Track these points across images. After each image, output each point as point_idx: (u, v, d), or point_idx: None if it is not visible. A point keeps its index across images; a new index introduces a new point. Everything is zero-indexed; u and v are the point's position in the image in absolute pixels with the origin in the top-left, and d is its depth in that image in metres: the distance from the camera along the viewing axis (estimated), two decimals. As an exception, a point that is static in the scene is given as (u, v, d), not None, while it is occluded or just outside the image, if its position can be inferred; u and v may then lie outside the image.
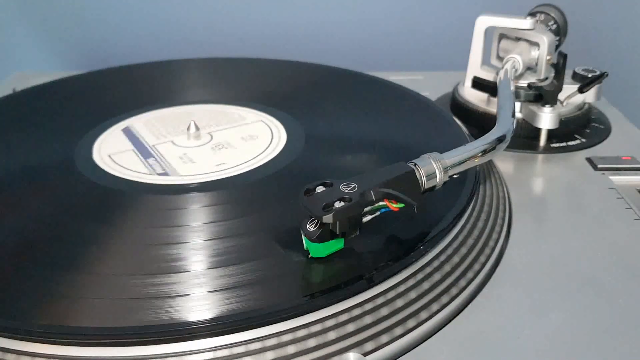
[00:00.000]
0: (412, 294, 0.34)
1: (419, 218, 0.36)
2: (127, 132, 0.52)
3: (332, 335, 0.32)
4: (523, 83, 0.55)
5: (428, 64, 0.81)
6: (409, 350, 0.33)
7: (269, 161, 0.46)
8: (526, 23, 0.54)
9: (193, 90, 0.63)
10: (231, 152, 0.48)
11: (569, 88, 0.55)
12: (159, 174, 0.45)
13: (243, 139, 0.50)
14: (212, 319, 0.31)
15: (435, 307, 0.35)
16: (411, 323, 0.34)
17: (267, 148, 0.48)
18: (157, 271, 0.34)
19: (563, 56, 0.53)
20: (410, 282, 0.35)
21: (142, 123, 0.54)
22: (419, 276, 0.35)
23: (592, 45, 0.79)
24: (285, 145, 0.49)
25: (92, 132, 0.52)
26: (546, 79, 0.55)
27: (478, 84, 0.59)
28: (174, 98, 0.60)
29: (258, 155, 0.47)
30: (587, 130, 0.57)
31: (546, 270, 0.39)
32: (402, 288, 0.34)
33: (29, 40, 0.87)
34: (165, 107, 0.57)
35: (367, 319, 0.33)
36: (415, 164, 0.36)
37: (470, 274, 0.37)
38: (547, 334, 0.34)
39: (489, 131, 0.42)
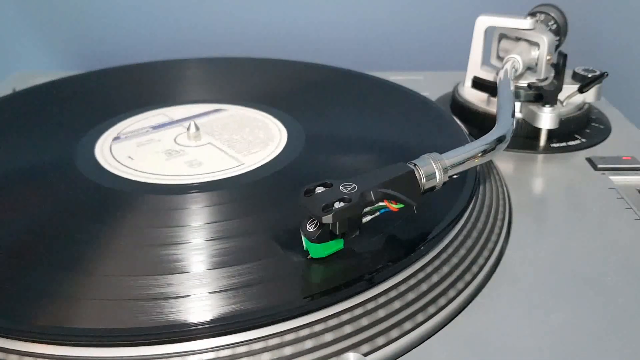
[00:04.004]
0: (412, 295, 0.34)
1: (418, 218, 0.36)
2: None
3: (332, 335, 0.32)
4: (523, 83, 0.55)
5: (428, 64, 0.81)
6: (409, 350, 0.33)
7: (269, 161, 0.46)
8: (526, 23, 0.54)
9: (193, 90, 0.63)
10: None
11: (569, 88, 0.55)
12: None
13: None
14: (211, 320, 0.31)
15: (435, 307, 0.35)
16: (411, 323, 0.34)
17: (267, 148, 0.48)
18: (157, 272, 0.34)
19: (563, 56, 0.53)
20: (410, 283, 0.35)
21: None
22: (419, 277, 0.35)
23: (592, 45, 0.79)
24: (286, 145, 0.49)
25: (92, 132, 0.52)
26: (546, 79, 0.55)
27: (478, 84, 0.59)
28: (174, 98, 0.60)
29: (258, 155, 0.47)
30: (587, 130, 0.57)
31: (546, 270, 0.39)
32: (402, 289, 0.34)
33: (29, 40, 0.87)
34: (165, 107, 0.57)
35: (367, 320, 0.33)
36: (414, 165, 0.36)
37: (470, 274, 0.37)
38: (547, 334, 0.34)
39: (489, 131, 0.42)
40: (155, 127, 0.53)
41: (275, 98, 0.58)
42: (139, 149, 0.49)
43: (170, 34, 0.86)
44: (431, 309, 0.34)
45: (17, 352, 0.31)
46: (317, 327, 0.32)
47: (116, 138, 0.51)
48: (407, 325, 0.33)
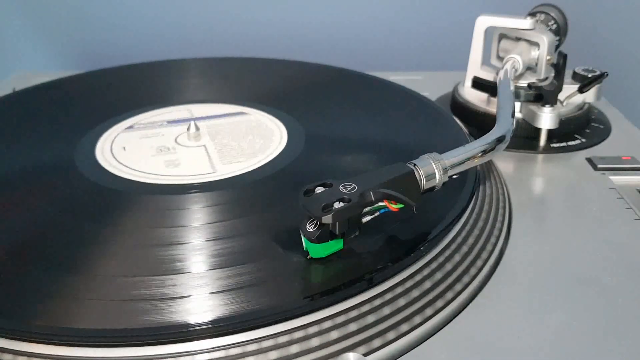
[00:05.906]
0: (413, 295, 0.34)
1: (419, 218, 0.36)
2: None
3: (332, 335, 0.32)
4: (523, 83, 0.55)
5: (428, 64, 0.81)
6: (409, 351, 0.33)
7: (269, 161, 0.46)
8: (526, 23, 0.54)
9: (193, 90, 0.63)
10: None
11: (569, 88, 0.55)
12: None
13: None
14: (212, 320, 0.31)
15: (435, 307, 0.35)
16: (411, 323, 0.34)
17: (267, 148, 0.48)
18: (157, 272, 0.34)
19: (563, 56, 0.53)
20: (410, 283, 0.35)
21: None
22: (419, 277, 0.35)
23: (592, 45, 0.79)
24: (286, 145, 0.49)
25: (93, 132, 0.52)
26: (546, 79, 0.55)
27: (478, 84, 0.59)
28: (174, 98, 0.60)
29: (258, 155, 0.47)
30: (587, 130, 0.57)
31: (546, 270, 0.39)
32: (401, 289, 0.34)
33: (29, 40, 0.87)
34: (165, 107, 0.57)
35: (367, 320, 0.33)
36: (414, 165, 0.36)
37: (470, 274, 0.37)
38: (547, 333, 0.34)
39: (489, 131, 0.42)
40: (156, 126, 0.53)
41: (275, 98, 0.58)
42: (137, 146, 0.49)
43: (171, 34, 0.86)
44: (431, 309, 0.34)
45: (17, 352, 0.31)
46: (317, 327, 0.32)
47: (114, 138, 0.51)
48: (408, 325, 0.33)
